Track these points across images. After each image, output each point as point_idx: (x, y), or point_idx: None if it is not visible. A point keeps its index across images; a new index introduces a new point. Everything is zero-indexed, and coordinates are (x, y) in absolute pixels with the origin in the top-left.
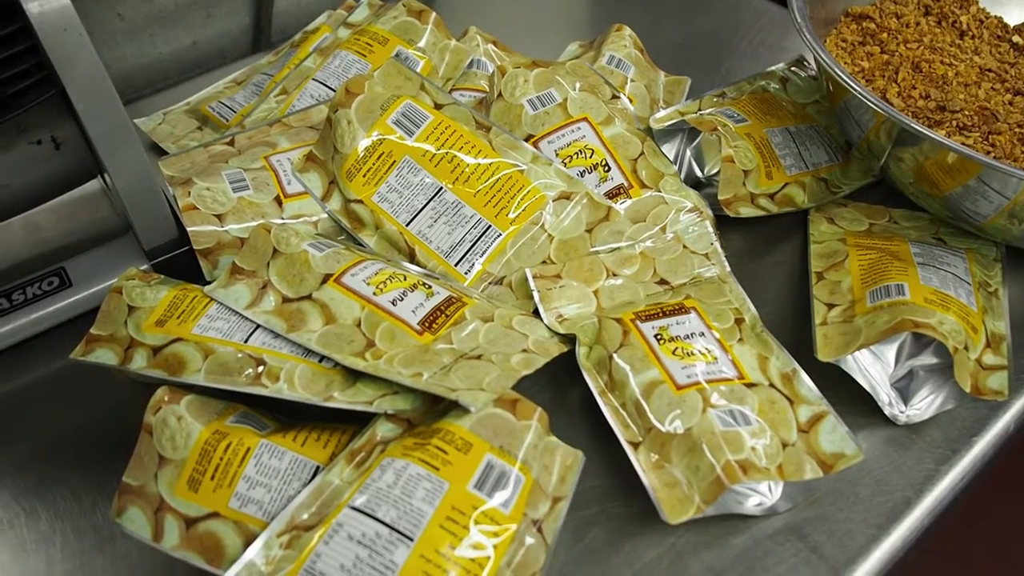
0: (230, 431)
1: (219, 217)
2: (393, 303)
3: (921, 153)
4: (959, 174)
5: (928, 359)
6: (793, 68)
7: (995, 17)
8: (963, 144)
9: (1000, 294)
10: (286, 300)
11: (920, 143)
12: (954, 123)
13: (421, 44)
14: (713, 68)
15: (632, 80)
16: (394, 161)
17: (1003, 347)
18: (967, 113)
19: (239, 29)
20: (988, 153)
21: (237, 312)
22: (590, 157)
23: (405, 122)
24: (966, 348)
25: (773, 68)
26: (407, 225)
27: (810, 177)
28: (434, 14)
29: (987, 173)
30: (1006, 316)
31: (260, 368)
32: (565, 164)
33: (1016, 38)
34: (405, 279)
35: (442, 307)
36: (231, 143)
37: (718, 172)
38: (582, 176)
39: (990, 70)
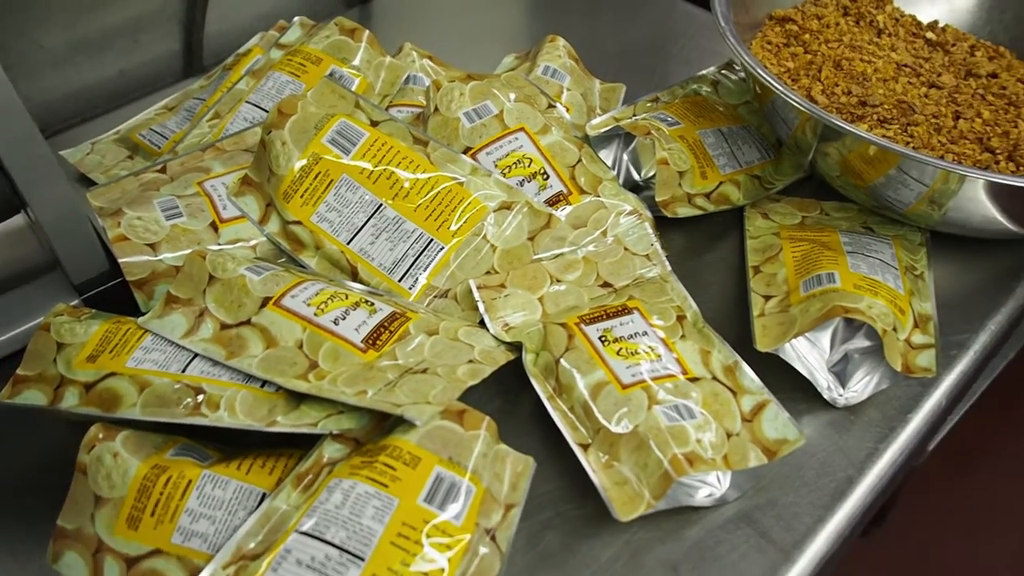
0: (170, 464)
1: (152, 247)
2: (335, 322)
3: (844, 147)
4: (880, 165)
5: (861, 342)
6: (723, 71)
7: (909, 16)
8: (884, 136)
9: (926, 276)
10: (224, 327)
11: (843, 138)
12: (875, 117)
13: (355, 62)
14: (648, 74)
15: (568, 89)
16: (331, 180)
17: (930, 326)
18: (886, 107)
19: (168, 54)
20: (907, 144)
21: (173, 342)
22: (529, 166)
23: (341, 140)
24: (895, 330)
25: (704, 72)
26: (348, 243)
27: (744, 175)
28: (367, 32)
29: (905, 163)
30: (932, 297)
31: (199, 397)
32: (504, 174)
33: (929, 34)
34: (347, 298)
35: (386, 323)
36: (163, 170)
37: (655, 175)
38: (522, 185)
39: (906, 65)
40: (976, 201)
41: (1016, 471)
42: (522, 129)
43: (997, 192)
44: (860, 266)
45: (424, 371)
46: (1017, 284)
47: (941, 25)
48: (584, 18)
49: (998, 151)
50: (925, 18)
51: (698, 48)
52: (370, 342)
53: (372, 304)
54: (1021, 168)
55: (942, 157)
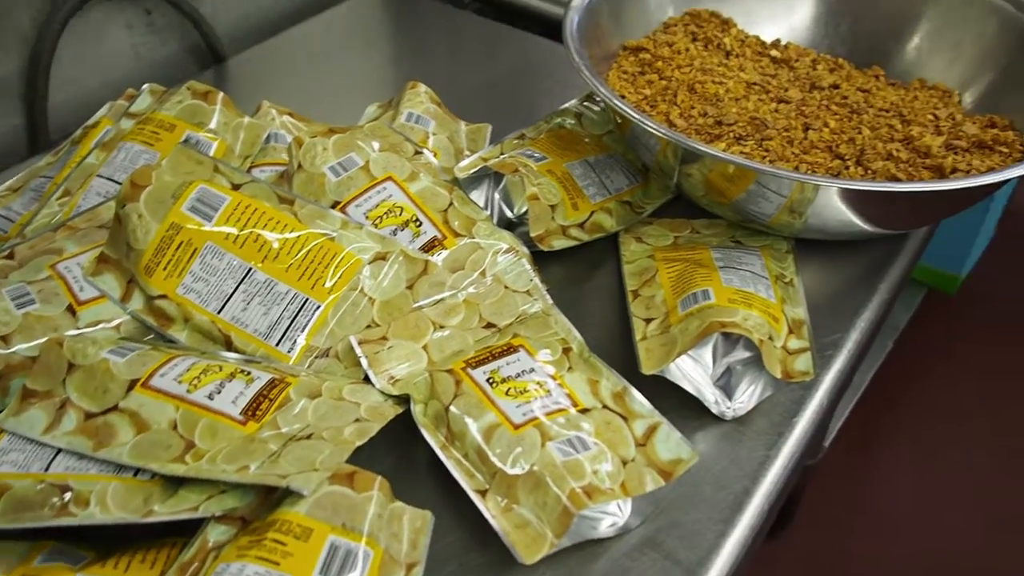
0: (39, 573)
1: (3, 339)
2: (210, 397)
3: (705, 167)
4: (740, 182)
5: (741, 354)
6: (585, 103)
7: (753, 36)
8: (741, 152)
9: (795, 283)
10: (89, 416)
11: (702, 159)
12: (731, 135)
13: (212, 126)
14: (513, 111)
15: (433, 134)
16: (195, 249)
17: (804, 330)
18: (741, 124)
19: (10, 131)
20: (763, 158)
21: (33, 439)
22: (400, 215)
23: (202, 207)
24: (771, 338)
25: (567, 105)
26: (219, 313)
27: (614, 202)
28: (221, 94)
29: (763, 177)
30: (803, 302)
31: (67, 496)
32: (376, 225)
33: (774, 52)
34: (222, 369)
35: (264, 392)
36: (10, 256)
37: (527, 211)
38: (395, 234)
39: (755, 83)
40: (831, 207)
41: (911, 454)
42: (390, 178)
43: (849, 197)
44: (733, 280)
45: (309, 437)
46: (880, 281)
47: (784, 43)
48: (446, 61)
49: (847, 157)
50: (768, 37)
51: (560, 82)
52: (249, 413)
53: (249, 373)
54: (869, 171)
55: (797, 168)
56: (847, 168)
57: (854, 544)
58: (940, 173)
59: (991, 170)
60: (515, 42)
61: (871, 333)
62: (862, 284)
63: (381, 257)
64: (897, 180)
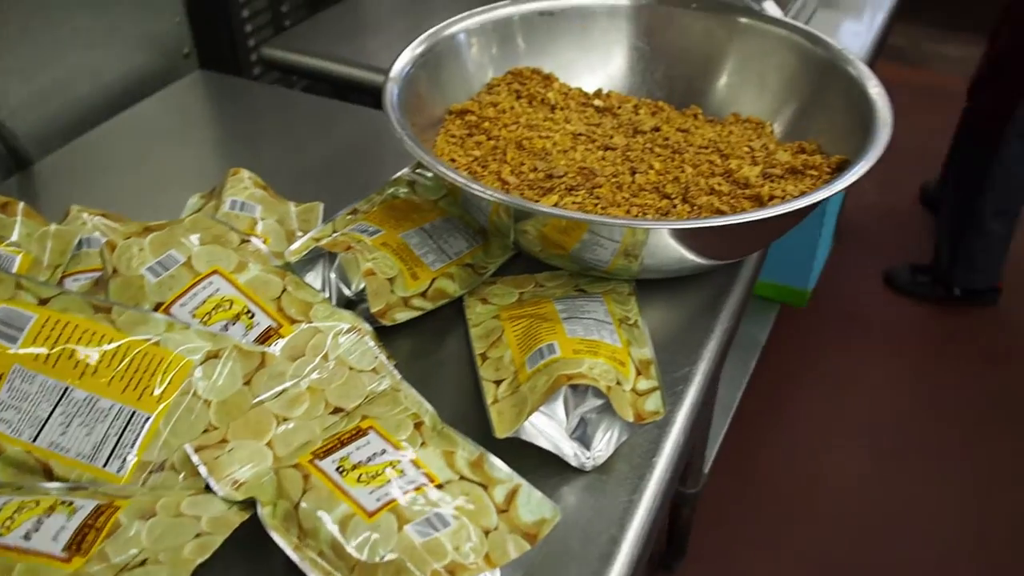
0: None
1: None
2: (26, 538)
3: (538, 223)
4: (574, 232)
5: (592, 403)
6: (418, 170)
7: (576, 89)
8: (573, 203)
9: (640, 324)
10: None
11: (533, 215)
12: (563, 186)
13: (14, 238)
14: (348, 185)
15: (261, 219)
16: (0, 375)
17: (651, 369)
18: (571, 175)
19: None
20: (596, 205)
21: None
22: (230, 308)
23: (4, 329)
24: (619, 383)
25: (400, 174)
26: (34, 441)
27: (456, 266)
28: (21, 204)
29: (593, 226)
30: (649, 341)
31: None
32: (204, 323)
33: (597, 102)
34: (38, 504)
35: (89, 522)
36: None
37: (365, 287)
38: (226, 330)
39: (581, 134)
40: (664, 247)
41: (789, 464)
42: (216, 272)
43: (678, 235)
44: (577, 330)
45: (143, 563)
46: (721, 310)
47: (606, 92)
48: (274, 143)
49: (673, 196)
50: (590, 88)
51: (394, 151)
52: (73, 548)
53: (71, 504)
54: (695, 207)
55: (628, 211)
56: (675, 207)
57: (743, 567)
58: (760, 202)
59: (803, 194)
60: (347, 116)
61: (719, 361)
62: (704, 315)
63: (213, 355)
64: (722, 213)
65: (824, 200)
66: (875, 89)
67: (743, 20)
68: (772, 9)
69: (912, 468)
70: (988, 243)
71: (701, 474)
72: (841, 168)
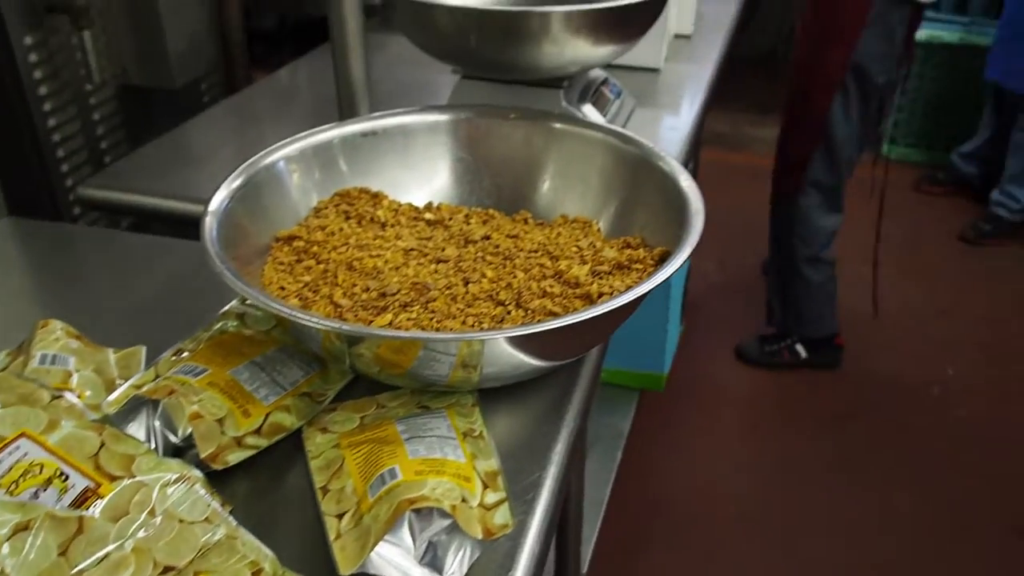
0: None
1: None
2: None
3: (372, 345)
4: (408, 351)
5: (440, 523)
6: (247, 302)
7: (406, 204)
8: (408, 319)
9: (484, 434)
10: None
11: (364, 339)
12: (397, 304)
13: None
14: (174, 324)
15: (76, 371)
16: None
17: (499, 481)
18: (404, 292)
19: None
20: (431, 319)
21: None
22: (40, 473)
23: None
24: (464, 500)
25: (228, 307)
26: None
27: (292, 397)
28: None
29: (428, 343)
30: (494, 452)
31: None
32: (11, 492)
33: (428, 215)
34: None
35: None
36: None
37: (192, 431)
38: (37, 497)
39: (413, 249)
40: (501, 354)
41: (665, 548)
42: (23, 435)
43: (514, 342)
44: (419, 450)
45: None
46: (566, 410)
47: (436, 204)
48: (93, 287)
49: (507, 302)
50: (420, 202)
51: (221, 284)
52: None
53: None
54: (529, 312)
55: (464, 322)
56: (509, 313)
57: None
58: (590, 300)
59: (629, 288)
60: (173, 252)
61: (568, 463)
62: (550, 418)
63: (23, 527)
64: (555, 315)
65: (649, 292)
66: (686, 182)
67: (558, 126)
68: (591, 112)
69: (781, 542)
70: (808, 291)
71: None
72: (664, 259)
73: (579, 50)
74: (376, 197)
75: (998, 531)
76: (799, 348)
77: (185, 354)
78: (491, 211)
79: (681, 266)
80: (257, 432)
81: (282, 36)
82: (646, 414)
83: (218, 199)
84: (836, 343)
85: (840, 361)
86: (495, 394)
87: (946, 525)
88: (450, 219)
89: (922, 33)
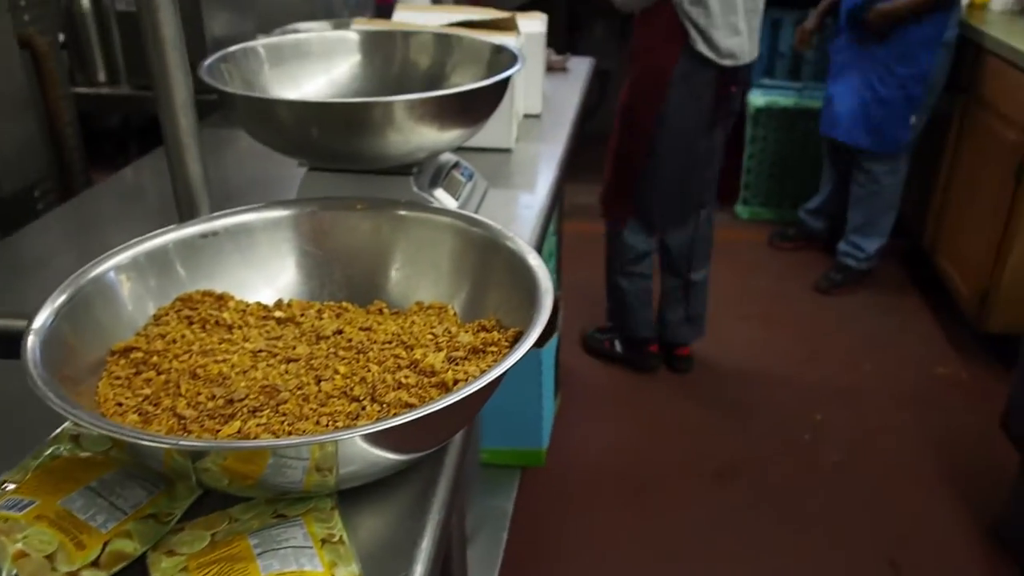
0: None
1: None
2: None
3: (217, 458)
4: (257, 460)
5: None
6: None
7: (255, 303)
8: (258, 425)
9: (344, 539)
10: None
11: (206, 453)
12: (245, 410)
13: None
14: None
15: None
16: None
17: None
18: (253, 396)
19: None
20: (283, 422)
21: None
22: None
23: None
24: None
25: (61, 429)
26: None
27: (133, 521)
28: None
29: (276, 450)
30: (355, 557)
31: None
32: None
33: (278, 313)
34: None
35: None
36: None
37: (17, 573)
38: None
39: (262, 350)
40: (356, 453)
41: None
42: None
43: (369, 439)
44: (273, 564)
45: None
46: (431, 503)
47: (287, 302)
48: None
49: (362, 398)
50: (269, 300)
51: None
52: None
53: None
54: (384, 406)
55: (318, 422)
56: (364, 409)
57: None
58: (446, 388)
59: (484, 372)
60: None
61: (437, 556)
62: (415, 512)
63: None
64: (411, 406)
65: (504, 375)
66: (534, 261)
67: (405, 213)
68: (443, 196)
69: None
70: (620, 297)
71: None
72: (519, 339)
73: (425, 136)
74: (221, 299)
75: (875, 562)
76: (617, 343)
77: (10, 486)
78: (344, 304)
79: (546, 343)
80: (95, 564)
81: (127, 135)
82: (529, 491)
83: (42, 317)
84: (650, 350)
85: (652, 367)
86: (356, 494)
87: (826, 561)
88: (302, 315)
89: (760, 99)
